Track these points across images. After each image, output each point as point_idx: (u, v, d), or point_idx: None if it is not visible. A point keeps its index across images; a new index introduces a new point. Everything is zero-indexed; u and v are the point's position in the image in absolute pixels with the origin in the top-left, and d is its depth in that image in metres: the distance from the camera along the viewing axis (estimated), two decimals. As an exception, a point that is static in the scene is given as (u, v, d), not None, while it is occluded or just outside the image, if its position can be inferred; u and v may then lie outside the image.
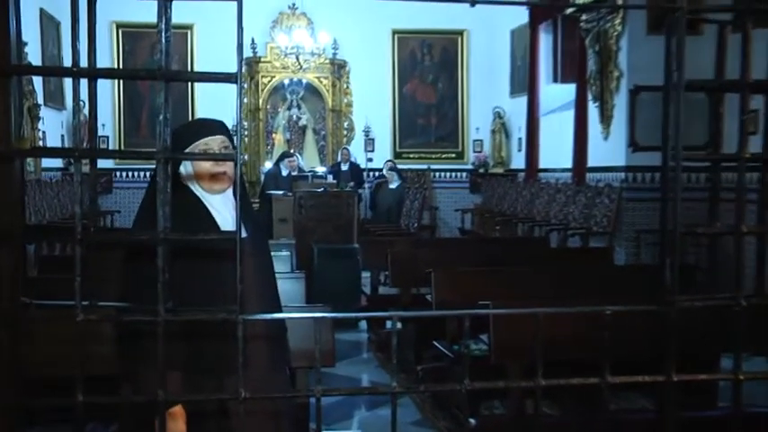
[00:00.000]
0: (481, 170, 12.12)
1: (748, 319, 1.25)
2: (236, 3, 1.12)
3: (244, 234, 2.23)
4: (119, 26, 11.67)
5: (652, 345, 2.47)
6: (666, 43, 1.48)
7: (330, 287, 7.00)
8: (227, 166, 2.28)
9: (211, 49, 11.53)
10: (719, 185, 1.75)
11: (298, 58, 11.48)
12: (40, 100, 10.03)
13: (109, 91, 11.65)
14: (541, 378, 1.63)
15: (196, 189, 2.27)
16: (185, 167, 2.29)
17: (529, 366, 2.94)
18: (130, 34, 11.85)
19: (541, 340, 1.14)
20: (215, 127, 2.34)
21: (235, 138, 2.24)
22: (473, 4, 2.06)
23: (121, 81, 11.66)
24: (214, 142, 2.27)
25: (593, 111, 8.38)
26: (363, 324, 6.81)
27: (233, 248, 2.20)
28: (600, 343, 1.45)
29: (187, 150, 2.25)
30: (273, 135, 12.42)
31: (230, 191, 2.32)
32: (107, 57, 11.57)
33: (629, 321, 2.45)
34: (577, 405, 3.23)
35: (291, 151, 11.62)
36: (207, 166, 2.26)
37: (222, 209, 2.30)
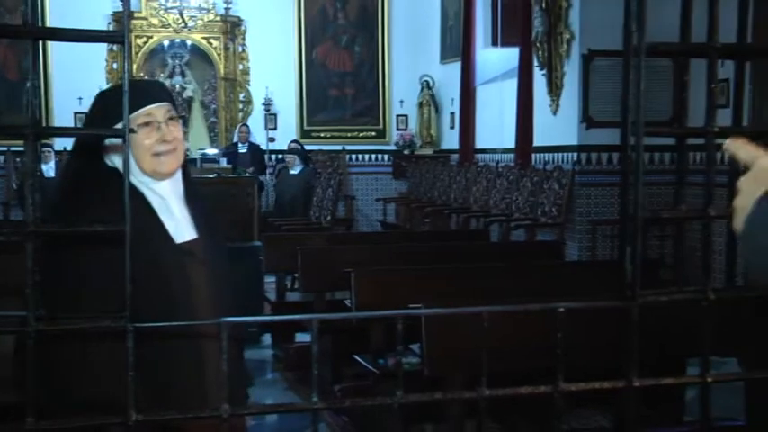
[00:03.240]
0: (406, 152, 12.23)
1: (717, 316, 1.35)
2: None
3: (194, 235, 2.17)
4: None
5: (613, 351, 2.61)
6: (625, 1, 1.58)
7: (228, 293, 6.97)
8: (176, 141, 2.13)
9: (70, 7, 11.17)
10: (686, 166, 1.86)
11: (181, 14, 11.36)
12: None
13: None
14: (485, 388, 1.72)
15: (134, 177, 2.08)
16: (113, 147, 2.08)
17: (470, 381, 3.03)
18: None
19: (486, 345, 1.21)
20: (157, 91, 2.20)
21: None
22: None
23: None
24: (159, 112, 2.11)
25: (539, 80, 8.54)
26: (267, 339, 6.82)
27: (181, 255, 2.17)
28: (553, 347, 1.55)
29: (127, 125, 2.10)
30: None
31: (178, 176, 2.19)
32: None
33: (587, 324, 2.57)
34: (528, 426, 3.35)
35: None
36: (150, 142, 2.08)
37: (174, 200, 2.16)
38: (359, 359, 4.50)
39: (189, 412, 2.13)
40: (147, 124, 2.10)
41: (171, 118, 2.17)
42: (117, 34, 1.86)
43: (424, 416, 3.88)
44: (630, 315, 1.43)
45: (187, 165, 2.39)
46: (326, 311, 5.29)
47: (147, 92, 2.16)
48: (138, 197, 2.07)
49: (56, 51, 11.55)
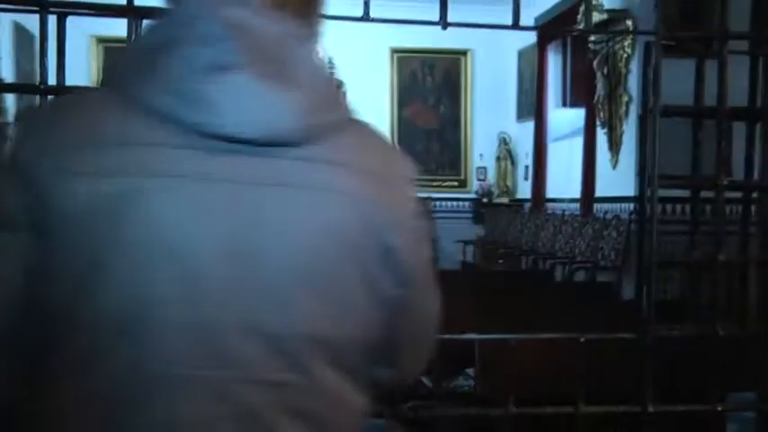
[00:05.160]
0: (485, 200, 12.19)
1: (730, 350, 1.32)
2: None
3: None
4: (99, 40, 11.81)
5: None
6: (643, 69, 1.60)
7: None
8: None
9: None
10: (699, 214, 1.84)
11: (290, 78, 11.58)
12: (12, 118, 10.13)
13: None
14: (513, 406, 1.72)
15: None
16: None
17: (518, 401, 3.01)
18: (111, 49, 11.99)
19: (521, 369, 1.23)
20: None
21: None
22: (444, 28, 2.16)
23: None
24: None
25: (601, 137, 8.48)
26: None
27: None
28: (582, 374, 1.56)
29: None
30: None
31: None
32: (84, 72, 11.67)
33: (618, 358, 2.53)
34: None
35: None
36: None
37: None
38: (423, 380, 4.50)
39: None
40: None
41: None
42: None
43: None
44: (645, 346, 1.42)
45: None
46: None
47: None
48: None
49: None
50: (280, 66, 0.93)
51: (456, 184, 12.53)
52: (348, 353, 0.97)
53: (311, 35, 1.03)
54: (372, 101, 12.17)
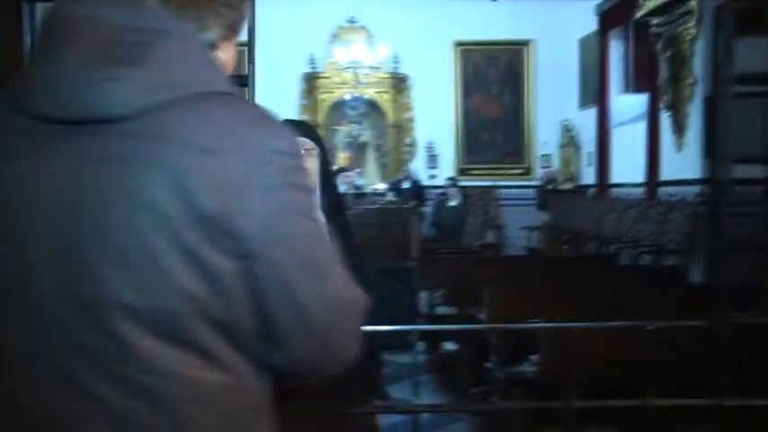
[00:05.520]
0: (549, 186, 11.89)
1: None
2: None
3: None
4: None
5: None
6: (713, 38, 1.38)
7: (386, 307, 6.92)
8: (309, 170, 2.15)
9: (269, 68, 11.64)
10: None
11: (356, 73, 11.50)
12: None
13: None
14: (576, 399, 1.53)
15: None
16: None
17: (582, 388, 2.81)
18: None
19: (589, 358, 1.05)
20: (299, 127, 2.22)
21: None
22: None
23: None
24: None
25: (665, 121, 8.14)
26: (421, 345, 6.72)
27: None
28: (649, 362, 1.36)
29: None
30: (341, 154, 12.37)
31: (317, 200, 2.21)
32: None
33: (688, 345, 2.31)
34: None
35: (347, 167, 11.65)
36: None
37: None
38: (489, 366, 4.32)
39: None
40: None
41: (306, 150, 2.14)
42: (243, 77, 1.78)
43: (547, 421, 3.66)
44: (720, 335, 1.23)
45: (335, 194, 2.34)
46: (464, 324, 5.13)
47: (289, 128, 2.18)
48: None
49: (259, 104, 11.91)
50: (122, 50, 0.97)
51: (520, 171, 12.27)
52: (174, 322, 0.96)
53: (202, 27, 1.08)
54: (438, 94, 12.02)
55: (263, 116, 1.05)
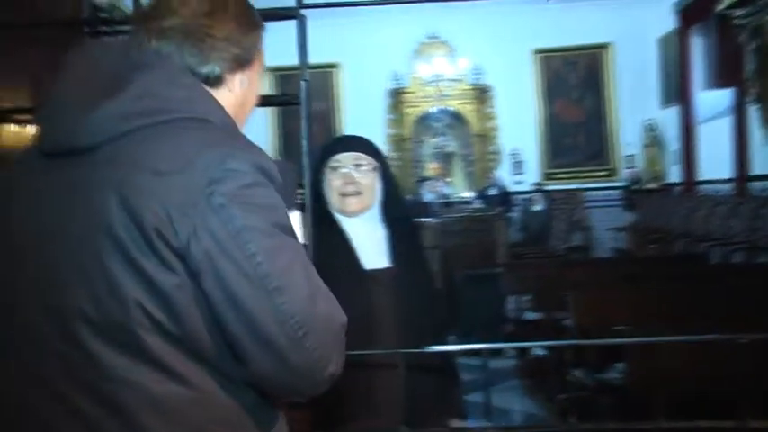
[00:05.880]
0: (634, 187, 11.39)
1: None
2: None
3: (386, 264, 2.01)
4: (271, 71, 11.99)
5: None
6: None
7: (474, 312, 6.74)
8: (360, 186, 1.99)
9: (357, 87, 11.72)
10: None
11: (438, 86, 11.35)
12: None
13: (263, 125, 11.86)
14: (664, 419, 1.36)
15: (333, 210, 2.02)
16: (325, 184, 2.02)
17: (670, 400, 2.55)
18: (283, 77, 12.16)
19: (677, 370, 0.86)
20: (349, 142, 2.10)
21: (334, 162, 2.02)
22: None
23: (277, 122, 11.99)
24: (346, 159, 2.00)
25: (753, 114, 7.63)
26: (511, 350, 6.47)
27: (368, 276, 1.97)
28: (743, 377, 1.16)
29: (319, 168, 2.02)
30: (429, 165, 12.24)
31: (376, 215, 2.06)
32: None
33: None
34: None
35: (431, 176, 11.52)
36: (336, 184, 1.99)
37: (362, 235, 2.00)
38: (576, 373, 4.07)
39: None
40: (335, 169, 2.01)
41: (358, 165, 2.00)
42: (293, 96, 1.64)
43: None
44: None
45: (402, 206, 2.21)
46: (553, 330, 4.87)
47: (340, 143, 2.11)
48: (334, 225, 2.01)
49: (347, 123, 11.98)
50: (101, 85, 1.03)
51: (605, 173, 11.82)
52: (128, 333, 0.98)
53: (202, 61, 1.13)
54: (520, 101, 11.75)
55: (224, 140, 1.05)
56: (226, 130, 1.09)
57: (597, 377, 3.89)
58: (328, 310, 1.07)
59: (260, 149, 1.07)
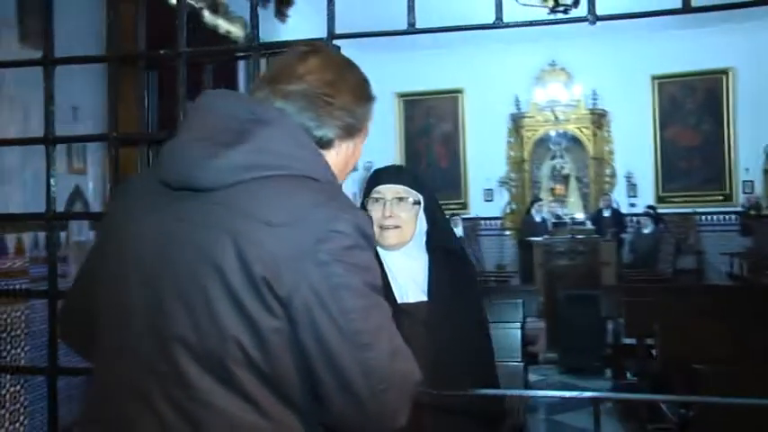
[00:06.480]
0: (752, 212, 10.49)
1: None
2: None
3: (421, 299, 1.85)
4: (399, 96, 12.05)
5: None
6: None
7: (574, 334, 6.40)
8: (399, 219, 1.85)
9: (481, 111, 11.60)
10: None
11: (553, 112, 10.98)
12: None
13: (392, 148, 11.93)
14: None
15: (378, 243, 1.86)
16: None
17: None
18: (409, 102, 12.19)
19: None
20: (392, 174, 1.92)
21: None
22: (593, 23, 1.57)
23: (404, 141, 12.03)
24: (388, 191, 1.86)
25: None
26: (608, 372, 6.09)
27: (402, 311, 1.81)
28: None
29: (363, 200, 1.91)
30: (546, 186, 11.88)
31: (418, 249, 1.90)
32: (391, 122, 12.01)
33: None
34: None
35: (546, 198, 11.16)
36: (377, 216, 1.85)
37: (400, 268, 1.86)
38: (663, 408, 3.71)
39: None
40: (376, 201, 1.88)
41: (400, 198, 1.86)
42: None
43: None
44: None
45: (448, 239, 2.01)
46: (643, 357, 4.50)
47: (383, 175, 1.92)
48: (377, 258, 1.83)
49: (470, 145, 11.88)
50: (226, 134, 1.06)
51: (721, 198, 10.96)
52: (220, 363, 1.00)
53: (319, 125, 1.15)
54: (636, 126, 11.18)
55: (331, 200, 1.06)
56: (331, 189, 1.10)
57: (682, 413, 3.53)
58: (407, 368, 1.08)
59: (361, 212, 1.10)
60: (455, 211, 11.16)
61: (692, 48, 10.56)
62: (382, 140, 11.35)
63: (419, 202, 1.89)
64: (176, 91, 1.58)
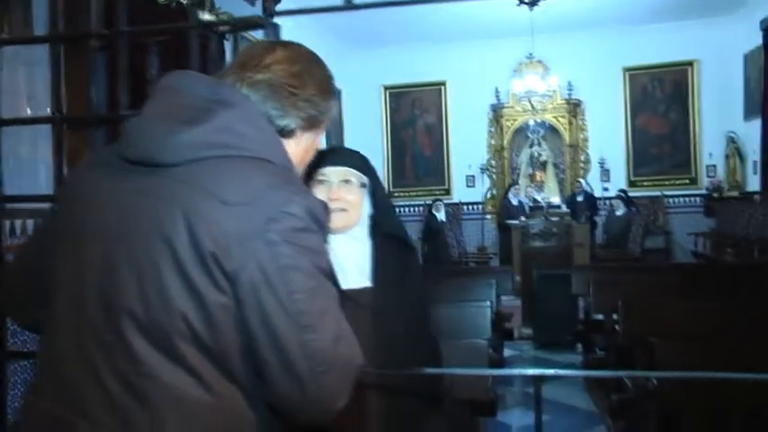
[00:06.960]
0: (715, 194, 10.43)
1: None
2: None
3: (364, 284, 1.68)
4: (386, 88, 11.90)
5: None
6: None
7: (548, 311, 6.33)
8: (346, 202, 1.66)
9: (462, 102, 11.50)
10: None
11: (530, 102, 10.86)
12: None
13: (379, 138, 11.79)
14: None
15: None
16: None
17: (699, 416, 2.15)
18: (395, 94, 12.03)
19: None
20: (338, 156, 1.72)
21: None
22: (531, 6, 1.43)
23: (389, 133, 11.89)
24: (333, 174, 1.67)
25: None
26: (579, 346, 6.01)
27: (346, 296, 1.66)
28: None
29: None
30: (524, 172, 11.78)
31: (362, 233, 1.72)
32: (378, 113, 11.87)
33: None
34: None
35: (521, 182, 11.09)
36: (323, 197, 1.59)
37: (345, 252, 1.66)
38: (625, 381, 3.62)
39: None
40: (321, 183, 1.68)
41: (346, 181, 1.70)
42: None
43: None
44: None
45: (393, 224, 1.82)
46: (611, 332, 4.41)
47: (328, 156, 1.70)
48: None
49: (453, 134, 11.78)
50: (188, 112, 1.01)
51: (687, 181, 10.89)
52: (166, 337, 0.96)
53: (282, 115, 1.12)
54: (608, 115, 11.12)
55: (287, 183, 1.03)
56: (288, 174, 1.07)
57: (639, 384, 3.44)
58: (350, 352, 1.04)
59: (315, 196, 1.07)
60: (438, 197, 11.06)
61: (661, 41, 10.49)
62: (369, 130, 11.24)
63: (365, 185, 1.74)
64: (127, 72, 1.46)
